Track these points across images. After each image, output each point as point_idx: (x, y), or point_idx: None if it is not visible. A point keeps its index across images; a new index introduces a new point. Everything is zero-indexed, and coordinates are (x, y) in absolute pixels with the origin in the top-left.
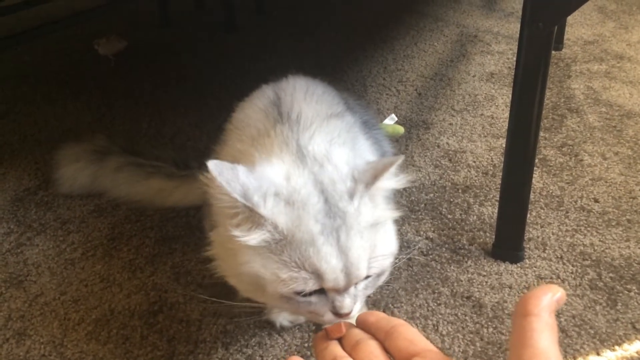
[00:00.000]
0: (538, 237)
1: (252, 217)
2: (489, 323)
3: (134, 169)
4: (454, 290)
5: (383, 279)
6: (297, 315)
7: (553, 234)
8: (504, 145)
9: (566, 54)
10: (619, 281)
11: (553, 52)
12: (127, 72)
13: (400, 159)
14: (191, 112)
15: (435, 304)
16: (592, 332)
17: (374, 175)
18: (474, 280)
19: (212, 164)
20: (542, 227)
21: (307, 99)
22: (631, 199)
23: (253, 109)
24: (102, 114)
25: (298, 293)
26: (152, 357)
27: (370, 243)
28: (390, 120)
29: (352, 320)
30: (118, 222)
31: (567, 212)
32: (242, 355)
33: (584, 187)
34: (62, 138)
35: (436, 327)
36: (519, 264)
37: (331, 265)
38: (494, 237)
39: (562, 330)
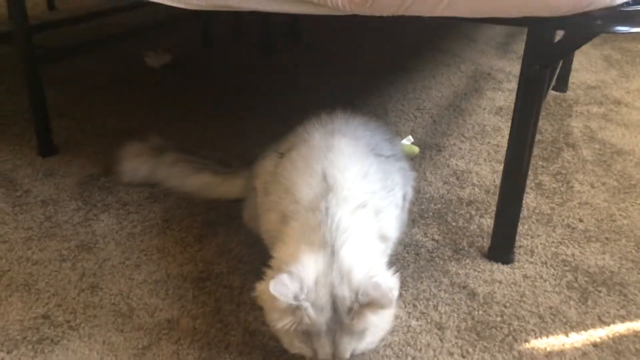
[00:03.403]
0: (527, 245)
1: (290, 311)
2: (480, 307)
3: (186, 164)
4: (453, 281)
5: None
6: None
7: (540, 244)
8: None
9: (569, 96)
10: (592, 284)
11: (558, 93)
12: (173, 83)
13: (395, 294)
14: (230, 122)
15: (437, 290)
16: (565, 320)
17: (370, 304)
18: (470, 275)
19: (275, 288)
20: (531, 238)
21: (348, 187)
22: (611, 222)
23: (304, 184)
24: (152, 117)
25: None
26: (203, 312)
27: (357, 340)
28: (407, 141)
29: None
30: (170, 207)
31: (554, 228)
32: None
33: (571, 209)
34: (118, 135)
35: (436, 307)
36: (509, 265)
37: (325, 351)
38: (490, 242)
39: (539, 316)
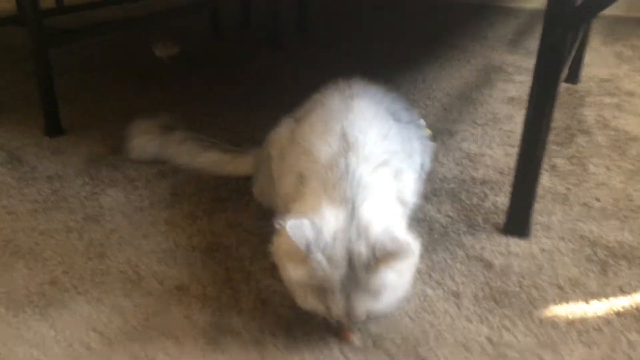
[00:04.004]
0: (544, 222)
1: (305, 262)
2: (497, 277)
3: (195, 142)
4: (468, 253)
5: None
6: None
7: (557, 220)
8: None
9: (582, 87)
10: (612, 257)
11: (570, 84)
12: (180, 74)
13: (411, 250)
14: (238, 110)
15: (452, 261)
16: (585, 290)
17: (388, 257)
18: (486, 248)
19: (291, 226)
20: (548, 215)
21: (369, 146)
22: (629, 201)
23: (324, 143)
24: (159, 104)
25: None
26: (213, 279)
27: (372, 300)
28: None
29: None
30: (179, 183)
31: (571, 206)
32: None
33: (588, 189)
34: (125, 119)
35: (452, 277)
36: (526, 240)
37: (338, 309)
38: (506, 217)
39: (559, 287)
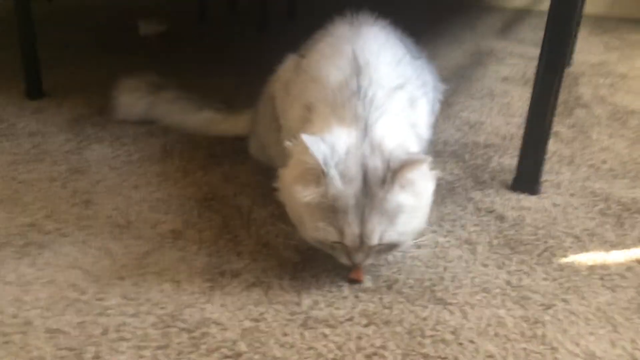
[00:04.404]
0: (553, 180)
1: (316, 180)
2: (510, 228)
3: (186, 102)
4: (478, 206)
5: (400, 249)
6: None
7: (566, 179)
8: (520, 122)
9: (575, 70)
10: (626, 211)
11: None
12: (166, 51)
13: (427, 160)
14: (226, 81)
15: (462, 213)
16: (603, 240)
17: (403, 167)
18: (496, 202)
19: (307, 139)
20: (556, 174)
21: (382, 68)
22: (636, 164)
23: (333, 67)
24: (145, 74)
25: (325, 240)
26: (210, 225)
27: (387, 221)
28: None
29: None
30: (170, 141)
31: (578, 167)
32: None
33: (593, 152)
34: (109, 84)
35: (463, 227)
36: (536, 196)
37: (351, 230)
38: (515, 173)
39: (575, 237)
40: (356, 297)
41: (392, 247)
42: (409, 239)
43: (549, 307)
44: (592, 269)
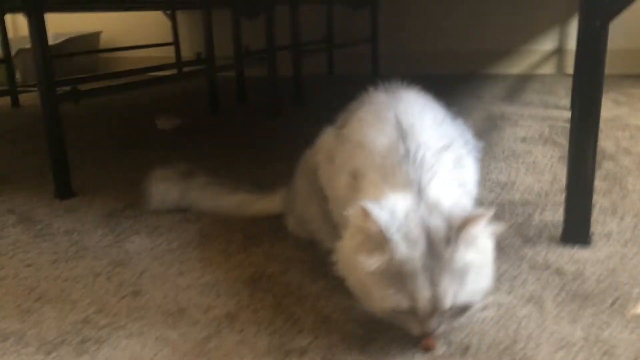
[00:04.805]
0: (601, 231)
1: (380, 247)
2: (572, 281)
3: (217, 186)
4: (533, 264)
5: (471, 311)
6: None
7: (614, 229)
8: (549, 178)
9: None
10: None
11: None
12: (184, 142)
13: (489, 214)
14: (248, 165)
15: (518, 271)
16: None
17: (466, 224)
18: (550, 257)
19: (367, 206)
20: (602, 225)
21: (427, 130)
22: None
23: (377, 132)
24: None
25: (395, 310)
26: (262, 306)
27: (457, 281)
28: None
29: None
30: (205, 225)
31: (622, 217)
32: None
33: (634, 202)
34: (137, 179)
35: (524, 285)
36: (588, 248)
37: (423, 295)
38: (559, 232)
39: None
40: None
41: (463, 309)
42: (479, 299)
43: (635, 359)
44: None
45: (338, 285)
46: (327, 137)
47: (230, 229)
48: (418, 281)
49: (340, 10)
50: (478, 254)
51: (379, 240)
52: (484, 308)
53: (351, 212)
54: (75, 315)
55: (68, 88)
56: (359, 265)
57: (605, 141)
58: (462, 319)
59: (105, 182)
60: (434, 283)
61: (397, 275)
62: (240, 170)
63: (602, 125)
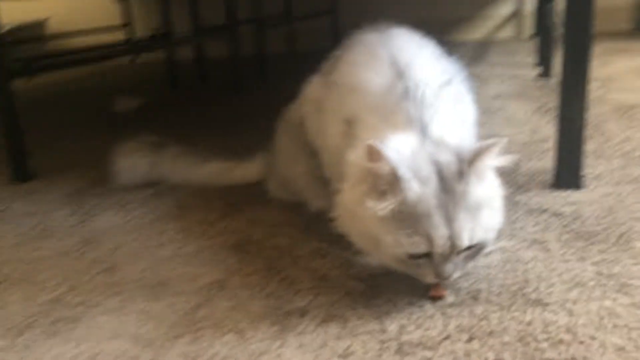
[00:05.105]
0: (591, 173)
1: (392, 188)
2: (572, 222)
3: (190, 156)
4: (530, 208)
5: (484, 252)
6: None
7: (604, 171)
8: (530, 130)
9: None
10: None
11: (544, 79)
12: (144, 122)
13: (503, 141)
14: (217, 140)
15: (516, 216)
16: None
17: (478, 156)
18: (545, 201)
19: (375, 145)
20: (591, 167)
21: (425, 67)
22: None
23: (371, 72)
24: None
25: (410, 257)
26: (254, 269)
27: (473, 217)
28: None
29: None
30: (181, 197)
31: (609, 158)
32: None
33: (618, 143)
34: (100, 159)
35: (524, 229)
36: (581, 190)
37: (440, 233)
38: (549, 178)
39: None
40: (444, 314)
41: (478, 250)
42: (492, 237)
43: None
44: None
45: (333, 244)
46: (313, 86)
47: (209, 198)
48: (434, 220)
49: None
50: (489, 188)
51: (389, 181)
52: (487, 254)
53: (353, 157)
54: (44, 296)
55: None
56: (367, 213)
57: None
58: (472, 264)
59: (67, 163)
60: (450, 220)
61: (411, 216)
62: (209, 143)
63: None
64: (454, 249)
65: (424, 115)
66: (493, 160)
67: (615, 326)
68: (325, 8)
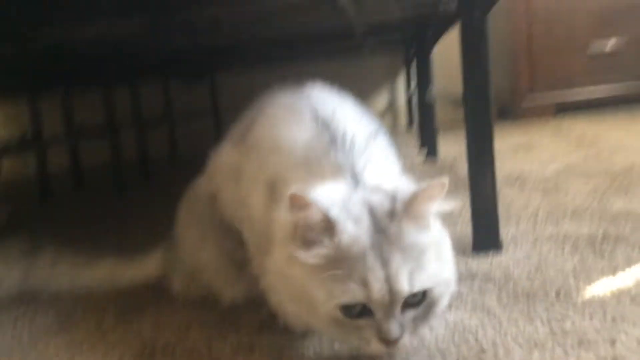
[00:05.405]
0: (505, 237)
1: (324, 234)
2: (505, 284)
3: (74, 258)
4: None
5: (436, 312)
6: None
7: (516, 232)
8: None
9: (444, 161)
10: (592, 244)
11: (431, 161)
12: (15, 232)
13: (444, 183)
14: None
15: None
16: (600, 271)
17: (415, 197)
18: (471, 267)
19: (300, 191)
20: (503, 231)
21: (350, 118)
22: (562, 207)
23: (294, 127)
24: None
25: (347, 314)
26: None
27: (412, 261)
28: None
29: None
30: (65, 308)
31: (517, 223)
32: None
33: (517, 209)
34: None
35: (460, 298)
36: (502, 253)
37: (375, 275)
38: (468, 242)
39: (573, 275)
40: None
41: (428, 307)
42: (444, 292)
43: (613, 342)
44: (618, 294)
45: (259, 335)
46: (226, 153)
47: (100, 304)
48: (368, 261)
49: (178, 86)
50: (433, 235)
51: (320, 228)
52: (431, 329)
53: (278, 215)
54: None
55: None
56: (297, 270)
57: (462, 170)
58: (423, 328)
59: None
60: (385, 261)
61: (343, 261)
62: (91, 245)
63: (453, 158)
64: (394, 298)
65: (355, 163)
66: (432, 204)
67: None
68: (207, 110)
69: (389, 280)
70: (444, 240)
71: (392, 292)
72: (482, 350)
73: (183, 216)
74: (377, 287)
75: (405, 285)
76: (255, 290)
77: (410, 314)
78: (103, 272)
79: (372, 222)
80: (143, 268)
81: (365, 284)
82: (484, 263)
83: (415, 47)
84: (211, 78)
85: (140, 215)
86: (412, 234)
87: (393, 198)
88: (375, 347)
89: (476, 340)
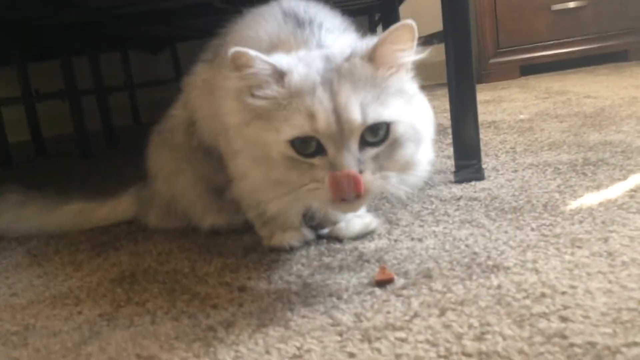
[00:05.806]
0: (485, 167)
1: (273, 79)
2: (492, 202)
3: (40, 201)
4: (444, 198)
5: (403, 157)
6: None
7: (497, 163)
8: None
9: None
10: (574, 168)
11: None
12: None
13: (411, 27)
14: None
15: (434, 207)
16: (583, 187)
17: (378, 43)
18: (456, 192)
19: (242, 49)
20: (484, 163)
21: (321, 13)
22: (539, 143)
23: (262, 25)
24: None
25: (301, 151)
26: (151, 296)
27: (368, 94)
28: None
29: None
30: (34, 247)
31: (496, 156)
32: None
33: (495, 144)
34: None
35: (448, 214)
36: (486, 181)
37: (323, 105)
38: (450, 176)
39: (558, 192)
40: (399, 295)
41: (392, 145)
42: (410, 133)
43: (606, 240)
44: (605, 203)
45: (244, 258)
46: (199, 71)
47: (73, 242)
48: (316, 94)
49: (139, 56)
50: (400, 79)
51: (273, 80)
52: (421, 239)
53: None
54: None
55: None
56: (254, 126)
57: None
58: (401, 251)
59: None
60: (333, 93)
61: (294, 99)
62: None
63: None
64: (344, 127)
65: (323, 38)
66: (400, 49)
67: (589, 274)
68: (170, 78)
69: (337, 110)
70: (418, 96)
71: (341, 121)
72: (475, 254)
73: (155, 150)
74: (323, 116)
75: (357, 115)
76: (237, 217)
77: (371, 151)
78: (73, 213)
79: (326, 65)
80: (115, 208)
81: (312, 115)
82: (467, 188)
83: (381, 12)
84: (172, 48)
85: (106, 177)
86: (369, 70)
87: (354, 47)
88: (329, 193)
89: (467, 246)
